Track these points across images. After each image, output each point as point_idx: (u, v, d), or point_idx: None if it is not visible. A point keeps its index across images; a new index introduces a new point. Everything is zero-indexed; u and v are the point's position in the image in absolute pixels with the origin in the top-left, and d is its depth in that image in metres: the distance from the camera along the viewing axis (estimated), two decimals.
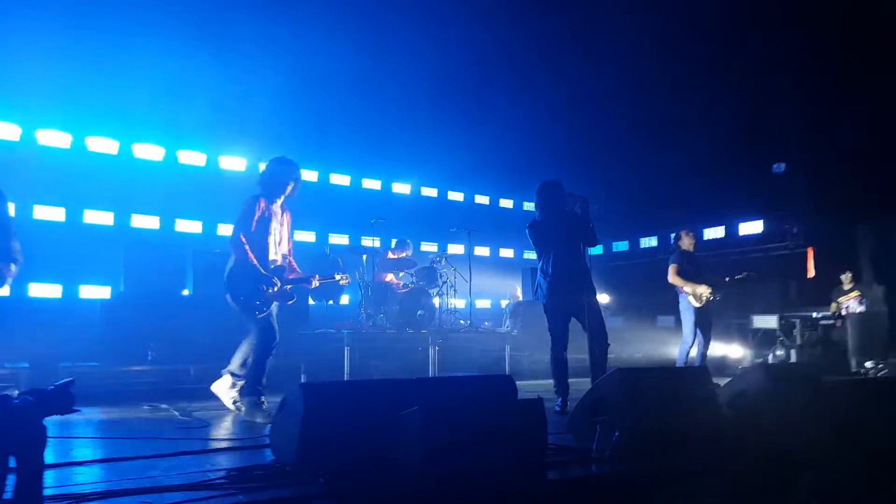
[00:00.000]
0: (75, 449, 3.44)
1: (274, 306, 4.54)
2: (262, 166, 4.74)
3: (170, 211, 9.73)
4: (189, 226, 9.88)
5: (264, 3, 9.29)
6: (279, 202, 4.62)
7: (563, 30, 10.63)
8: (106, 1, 8.39)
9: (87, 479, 2.83)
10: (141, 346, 6.91)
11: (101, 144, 9.20)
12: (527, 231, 5.39)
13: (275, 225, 4.59)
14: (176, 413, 4.82)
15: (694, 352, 6.97)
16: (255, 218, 4.48)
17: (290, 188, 4.60)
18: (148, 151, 9.60)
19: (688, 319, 6.96)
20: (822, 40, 9.94)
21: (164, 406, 5.01)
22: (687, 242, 7.18)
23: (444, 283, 9.17)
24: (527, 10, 10.20)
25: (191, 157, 10.02)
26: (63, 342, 6.59)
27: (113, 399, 5.26)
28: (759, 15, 10.21)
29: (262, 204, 4.51)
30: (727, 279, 7.18)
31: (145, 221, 9.49)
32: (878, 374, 7.80)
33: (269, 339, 4.43)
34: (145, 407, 5.00)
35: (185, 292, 7.86)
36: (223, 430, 4.09)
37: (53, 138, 8.81)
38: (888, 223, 9.78)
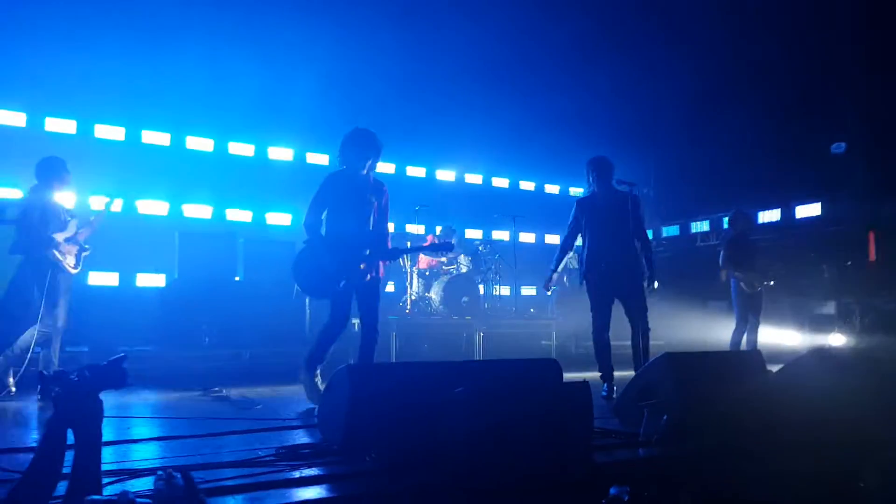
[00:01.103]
0: (132, 428, 3.57)
1: None
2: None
3: (220, 200, 9.98)
4: (239, 215, 10.11)
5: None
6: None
7: (614, 9, 10.35)
8: None
9: (142, 455, 2.94)
10: (195, 332, 7.14)
11: (154, 137, 9.49)
12: (574, 207, 5.30)
13: None
14: (228, 395, 4.95)
15: (746, 337, 6.84)
16: None
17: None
18: (198, 143, 9.85)
19: (739, 304, 6.83)
20: (881, 17, 9.39)
21: (216, 388, 5.16)
22: (741, 225, 6.99)
23: (489, 269, 9.13)
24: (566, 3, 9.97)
25: (239, 148, 10.23)
26: (121, 328, 6.87)
27: (169, 383, 5.45)
28: None
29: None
30: (763, 282, 6.94)
31: (197, 211, 9.75)
32: None
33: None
34: (199, 390, 5.16)
35: (237, 279, 8.07)
36: (274, 412, 4.18)
37: (108, 132, 9.13)
38: None
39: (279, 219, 10.41)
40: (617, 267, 5.02)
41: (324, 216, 4.31)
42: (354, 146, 4.33)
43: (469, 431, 2.68)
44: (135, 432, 3.44)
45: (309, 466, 2.67)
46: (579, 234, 5.38)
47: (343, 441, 2.90)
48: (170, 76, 8.79)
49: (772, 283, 6.90)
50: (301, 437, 3.37)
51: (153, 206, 9.41)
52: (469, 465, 2.63)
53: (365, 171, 4.36)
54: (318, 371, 4.31)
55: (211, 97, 9.13)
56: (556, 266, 5.54)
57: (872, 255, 10.22)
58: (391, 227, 4.72)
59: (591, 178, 5.25)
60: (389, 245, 4.55)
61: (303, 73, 9.23)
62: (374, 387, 3.05)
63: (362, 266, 4.25)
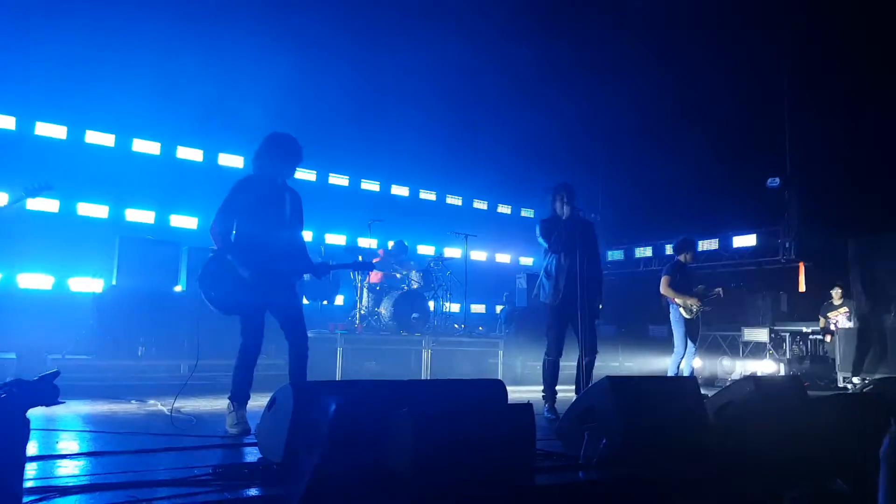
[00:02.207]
0: (61, 442, 3.40)
1: None
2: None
3: (165, 206, 9.70)
4: (184, 221, 9.84)
5: (263, 2, 9.29)
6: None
7: (562, 43, 10.70)
8: None
9: (70, 472, 2.80)
10: (132, 341, 6.88)
11: (98, 138, 9.17)
12: (537, 227, 5.36)
13: None
14: (164, 409, 4.78)
15: (683, 363, 7.04)
16: None
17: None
18: (145, 146, 9.57)
19: (679, 330, 7.03)
20: (817, 56, 10.01)
21: (151, 401, 4.97)
22: (686, 252, 7.23)
23: (440, 286, 9.16)
24: (526, 23, 10.24)
25: (188, 153, 9.99)
26: (52, 334, 6.56)
27: (101, 393, 5.23)
28: (753, 29, 10.27)
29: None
30: (720, 291, 7.23)
31: (140, 216, 9.45)
32: (864, 390, 7.82)
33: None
34: (133, 402, 4.96)
35: (178, 288, 7.82)
36: (212, 428, 4.05)
37: (50, 130, 8.77)
38: (878, 239, 9.88)
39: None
40: (575, 292, 5.10)
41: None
42: (275, 152, 4.04)
43: (412, 452, 2.67)
44: (63, 447, 3.28)
45: (247, 486, 2.60)
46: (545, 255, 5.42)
47: (284, 460, 2.84)
48: (118, 76, 8.54)
49: (707, 309, 7.16)
50: (240, 456, 3.28)
51: (93, 209, 9.06)
52: (412, 485, 2.62)
53: (280, 180, 4.10)
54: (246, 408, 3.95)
55: (160, 100, 8.91)
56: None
57: (802, 286, 10.77)
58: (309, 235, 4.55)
59: (558, 202, 5.33)
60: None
61: (258, 80, 9.12)
62: (317, 405, 3.01)
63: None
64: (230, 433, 3.82)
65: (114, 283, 7.46)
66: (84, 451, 3.23)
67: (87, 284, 8.47)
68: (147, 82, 8.65)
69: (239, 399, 3.92)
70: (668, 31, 10.47)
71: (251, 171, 4.15)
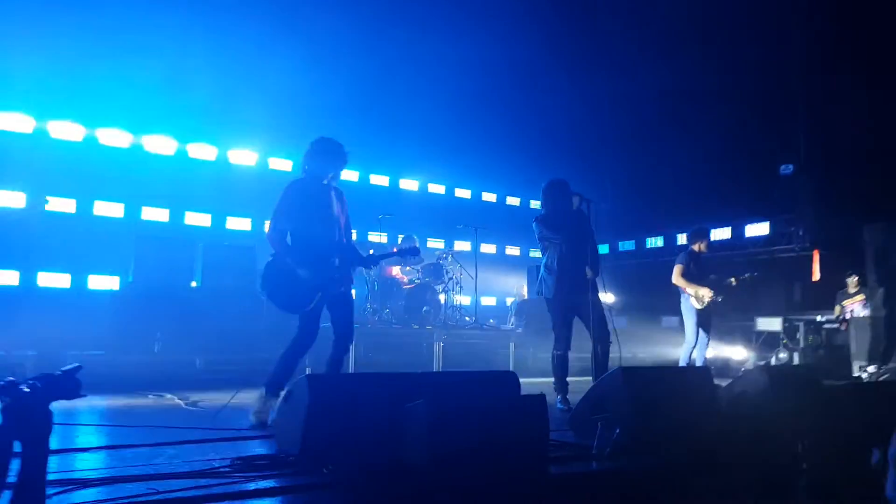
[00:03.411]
0: (80, 436, 3.47)
1: None
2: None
3: (180, 204, 9.78)
4: (199, 219, 9.93)
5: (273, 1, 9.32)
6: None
7: (571, 31, 10.62)
8: None
9: (90, 465, 2.86)
10: (148, 337, 6.97)
11: (113, 137, 9.26)
12: (534, 224, 5.40)
13: None
14: (181, 402, 4.85)
15: (696, 353, 7.00)
16: None
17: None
18: (159, 144, 9.65)
19: (690, 320, 6.99)
20: (829, 41, 9.87)
21: (168, 395, 5.04)
22: (700, 242, 7.16)
23: (450, 279, 9.18)
24: (535, 15, 10.18)
25: (201, 151, 10.06)
26: (70, 331, 6.66)
27: (118, 388, 5.31)
28: (767, 14, 10.14)
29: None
30: (733, 280, 7.17)
31: (155, 214, 9.54)
32: (880, 378, 7.73)
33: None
34: (150, 396, 5.03)
35: (194, 284, 7.91)
36: (228, 421, 4.11)
37: (65, 130, 8.87)
38: (894, 226, 9.75)
39: (239, 223, 10.27)
40: (578, 285, 5.13)
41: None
42: (322, 155, 4.29)
43: (428, 443, 2.70)
44: (82, 441, 3.35)
45: (265, 478, 2.64)
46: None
47: (300, 452, 2.88)
48: (131, 76, 8.60)
49: (719, 299, 7.08)
50: (257, 448, 3.33)
51: (109, 208, 9.17)
52: (427, 477, 2.65)
53: (327, 181, 4.32)
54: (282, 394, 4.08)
55: (173, 99, 8.97)
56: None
57: (816, 275, 10.65)
58: (353, 234, 4.67)
59: (552, 198, 5.35)
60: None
61: (268, 77, 9.16)
62: (333, 397, 3.04)
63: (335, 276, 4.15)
64: (252, 421, 3.89)
65: (130, 280, 7.56)
66: (103, 444, 3.29)
67: (105, 282, 8.60)
68: (159, 81, 8.71)
69: (273, 390, 4.01)
70: (681, 19, 10.35)
71: (299, 174, 4.37)
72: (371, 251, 8.11)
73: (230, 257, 7.93)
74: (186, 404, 4.78)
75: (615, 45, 10.79)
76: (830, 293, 9.67)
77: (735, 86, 10.82)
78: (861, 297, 9.17)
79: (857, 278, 9.24)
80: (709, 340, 7.09)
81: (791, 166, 10.81)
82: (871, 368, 8.50)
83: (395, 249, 4.81)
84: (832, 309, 9.49)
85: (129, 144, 9.37)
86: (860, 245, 9.84)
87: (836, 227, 10.44)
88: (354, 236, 4.62)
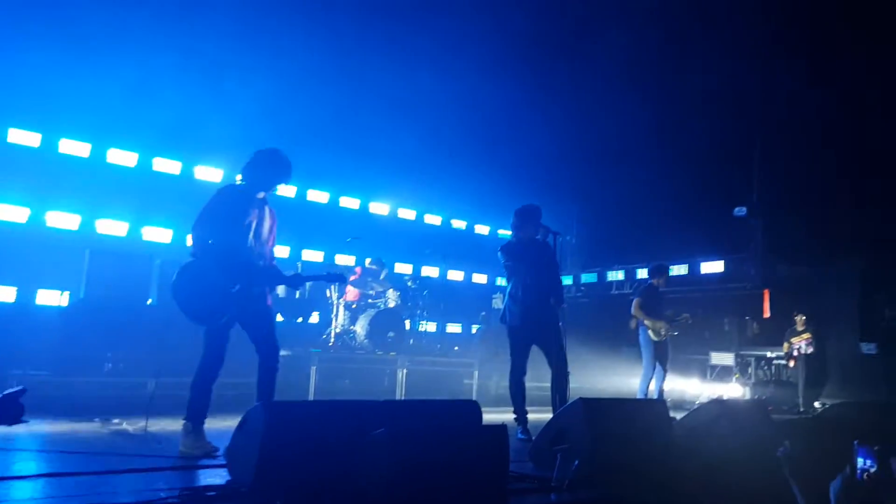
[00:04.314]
0: (18, 462, 3.26)
1: None
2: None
3: (139, 218, 9.52)
4: (158, 234, 9.66)
5: (246, 16, 9.26)
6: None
7: (539, 71, 10.88)
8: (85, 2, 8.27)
9: (27, 494, 2.69)
10: (98, 357, 6.69)
11: (73, 147, 9.00)
12: (499, 253, 5.43)
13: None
14: (129, 428, 4.64)
15: (653, 384, 7.15)
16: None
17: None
18: (122, 157, 9.41)
19: (647, 353, 7.19)
20: (785, 90, 10.31)
21: (116, 420, 4.82)
22: (660, 277, 7.41)
23: (417, 305, 9.11)
24: (504, 52, 10.37)
25: (165, 165, 9.85)
26: (15, 349, 6.32)
27: (64, 411, 5.05)
28: (725, 61, 10.54)
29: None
30: (687, 317, 7.41)
31: (112, 227, 9.24)
32: (823, 414, 8.02)
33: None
34: (97, 420, 4.80)
35: (149, 302, 7.66)
36: (178, 449, 3.93)
37: (23, 137, 8.59)
38: (834, 269, 10.29)
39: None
40: (542, 314, 5.17)
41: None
42: (265, 167, 4.08)
43: (387, 474, 2.62)
44: (20, 468, 3.14)
45: None
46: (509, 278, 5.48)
47: (254, 483, 2.76)
48: (94, 84, 8.39)
49: (675, 333, 7.31)
50: (208, 478, 3.18)
51: (63, 219, 8.86)
52: None
53: (263, 195, 4.13)
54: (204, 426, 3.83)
55: (138, 111, 8.79)
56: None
57: (767, 312, 11.04)
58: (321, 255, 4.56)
59: (521, 225, 5.40)
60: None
61: (238, 93, 9.05)
62: (290, 426, 2.94)
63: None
64: (191, 455, 3.68)
65: (81, 296, 7.27)
66: (43, 472, 3.10)
67: (54, 297, 8.25)
68: (125, 92, 8.53)
69: (196, 419, 3.81)
70: (641, 62, 10.70)
71: (234, 181, 4.17)
72: (299, 266, 8.01)
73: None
74: (135, 430, 4.57)
75: (582, 85, 11.09)
76: (781, 330, 10.02)
77: (695, 130, 11.22)
78: (807, 335, 9.54)
79: (804, 317, 9.62)
80: (665, 373, 7.27)
81: (744, 208, 11.30)
82: (817, 404, 8.80)
83: (356, 275, 4.65)
84: (782, 345, 9.81)
85: (89, 154, 9.12)
86: (807, 285, 10.29)
87: (784, 268, 10.92)
88: (321, 257, 4.51)
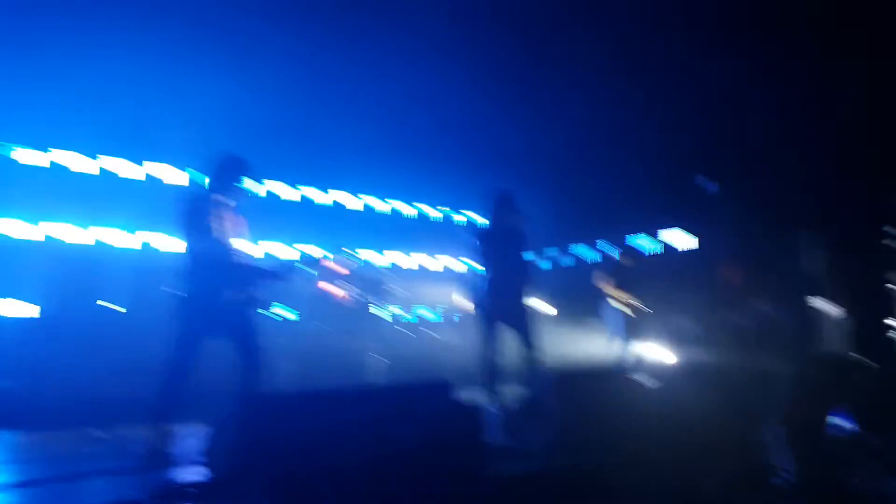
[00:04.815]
0: None
1: None
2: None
3: (102, 223, 9.32)
4: (124, 239, 9.47)
5: (200, 6, 9.05)
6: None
7: (499, 61, 10.90)
8: None
9: None
10: (67, 365, 6.60)
11: (31, 154, 8.76)
12: (472, 238, 5.54)
13: None
14: (102, 434, 4.62)
15: (624, 354, 7.35)
16: None
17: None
18: (83, 162, 9.20)
19: (616, 325, 7.34)
20: (747, 64, 10.53)
21: (90, 427, 4.80)
22: (624, 260, 7.63)
23: (388, 292, 9.15)
24: (463, 42, 10.34)
25: (129, 169, 9.65)
26: None
27: (28, 419, 4.99)
28: (681, 27, 10.69)
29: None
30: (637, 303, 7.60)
31: (74, 233, 9.05)
32: (786, 371, 8.35)
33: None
34: (65, 428, 4.78)
35: (117, 308, 7.57)
36: (153, 450, 3.93)
37: None
38: (797, 238, 10.63)
39: (169, 244, 9.89)
40: (512, 296, 5.32)
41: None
42: (230, 172, 4.21)
43: (366, 460, 2.70)
44: None
45: None
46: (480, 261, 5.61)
47: (232, 478, 2.81)
48: (44, 85, 8.16)
49: (642, 306, 7.52)
50: (179, 476, 3.22)
51: (20, 227, 8.65)
52: (367, 495, 2.65)
53: (226, 199, 4.22)
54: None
55: (92, 113, 8.57)
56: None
57: (731, 280, 11.37)
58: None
59: (494, 210, 5.54)
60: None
61: (198, 92, 8.85)
62: (265, 419, 2.99)
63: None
64: (150, 453, 3.74)
65: (45, 304, 7.15)
66: (12, 482, 3.10)
67: (20, 307, 8.07)
68: (73, 92, 8.31)
69: (163, 419, 3.88)
70: (605, 32, 10.79)
71: (198, 188, 4.24)
72: (297, 263, 8.01)
73: (157, 280, 7.59)
74: (106, 434, 4.56)
75: (544, 72, 11.18)
76: (742, 297, 10.27)
77: (655, 106, 11.41)
78: (765, 300, 9.81)
79: (761, 283, 9.90)
80: (636, 343, 7.47)
81: (703, 179, 11.58)
82: (776, 361, 9.12)
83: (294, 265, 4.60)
84: (743, 309, 10.09)
85: (48, 163, 8.91)
86: (773, 254, 10.61)
87: (745, 237, 11.25)
88: (249, 247, 4.51)
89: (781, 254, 10.45)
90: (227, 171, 4.20)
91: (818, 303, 9.98)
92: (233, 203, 4.25)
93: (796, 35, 9.32)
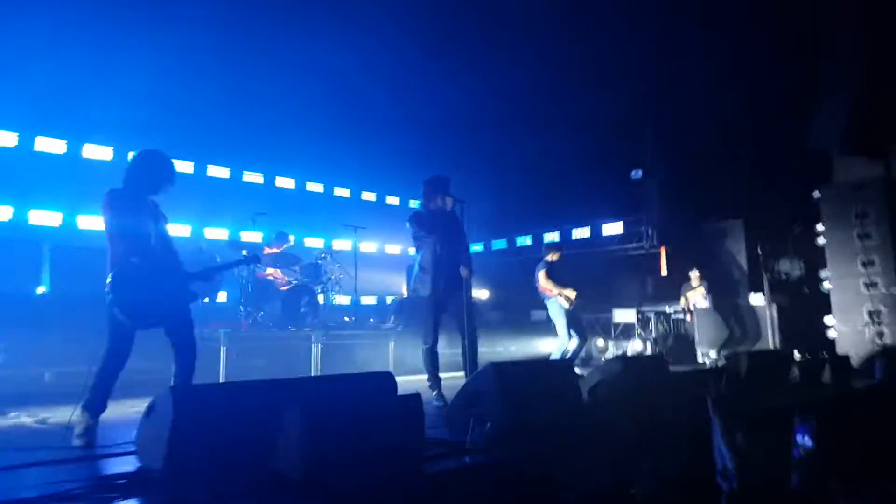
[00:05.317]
0: None
1: None
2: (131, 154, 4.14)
3: (24, 201, 8.85)
4: (46, 218, 9.03)
5: None
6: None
7: (441, 34, 10.89)
8: None
9: None
10: None
11: None
12: (408, 224, 5.51)
13: None
14: (29, 420, 4.43)
15: (571, 350, 7.46)
16: None
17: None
18: (2, 137, 8.68)
19: (560, 321, 7.45)
20: (674, 60, 10.91)
21: (13, 413, 4.59)
22: (554, 257, 7.73)
23: (329, 279, 9.07)
24: (405, 18, 10.29)
25: (50, 144, 9.16)
26: None
27: None
28: (621, 30, 10.99)
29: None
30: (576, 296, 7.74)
31: None
32: (720, 364, 8.70)
33: None
34: None
35: (41, 290, 7.21)
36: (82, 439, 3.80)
37: None
38: (725, 225, 11.10)
39: (93, 223, 9.49)
40: (452, 283, 5.31)
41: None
42: (147, 170, 3.99)
43: (302, 452, 2.69)
44: None
45: (125, 498, 2.51)
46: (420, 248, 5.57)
47: (164, 469, 2.75)
48: None
49: (579, 299, 7.67)
50: (116, 467, 3.13)
51: None
52: (303, 487, 2.64)
53: (149, 197, 4.04)
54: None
55: (17, 87, 8.09)
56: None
57: (664, 270, 11.79)
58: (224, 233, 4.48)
59: (430, 195, 5.49)
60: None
61: (125, 67, 8.52)
62: (200, 409, 2.93)
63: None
64: (78, 444, 3.63)
65: None
66: None
67: None
68: (2, 68, 7.83)
69: (94, 410, 3.76)
70: (542, 28, 10.95)
71: (118, 184, 3.96)
72: (244, 252, 7.85)
73: (82, 260, 7.26)
74: (35, 422, 4.38)
75: (484, 52, 11.23)
76: (678, 286, 10.71)
77: (592, 98, 11.70)
78: (702, 289, 10.21)
79: (698, 272, 10.29)
80: (585, 337, 7.60)
81: (640, 171, 11.95)
82: (713, 354, 9.52)
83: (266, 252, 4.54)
84: (678, 301, 10.50)
85: None
86: (700, 241, 11.04)
87: (678, 226, 11.68)
88: (226, 235, 4.42)
89: (710, 244, 10.92)
90: (151, 170, 3.99)
91: (749, 294, 10.46)
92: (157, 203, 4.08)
93: (731, 31, 9.74)
